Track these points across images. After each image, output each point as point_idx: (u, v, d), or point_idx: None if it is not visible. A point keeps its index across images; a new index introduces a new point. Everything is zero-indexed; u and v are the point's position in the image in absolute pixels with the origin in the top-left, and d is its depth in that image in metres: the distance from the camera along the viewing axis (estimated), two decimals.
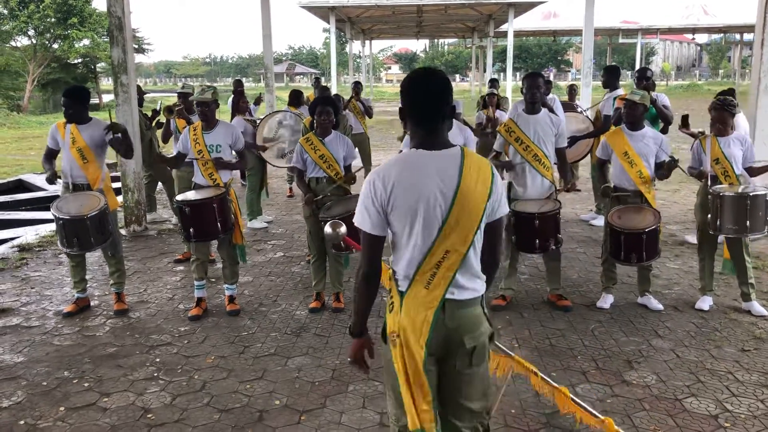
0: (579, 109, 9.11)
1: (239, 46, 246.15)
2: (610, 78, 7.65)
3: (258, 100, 10.64)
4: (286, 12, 47.36)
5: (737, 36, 50.46)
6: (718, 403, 3.68)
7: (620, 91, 7.31)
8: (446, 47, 75.90)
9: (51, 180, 5.05)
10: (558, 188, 5.30)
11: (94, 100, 38.25)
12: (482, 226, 2.26)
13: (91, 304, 5.42)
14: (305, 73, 74.03)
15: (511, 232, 4.99)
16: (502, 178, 3.68)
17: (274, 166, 8.19)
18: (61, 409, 3.74)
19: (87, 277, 5.43)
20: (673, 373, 4.05)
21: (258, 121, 8.13)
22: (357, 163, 5.81)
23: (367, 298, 2.37)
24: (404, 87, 2.29)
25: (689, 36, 58.37)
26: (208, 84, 7.35)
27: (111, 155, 6.69)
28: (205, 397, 3.85)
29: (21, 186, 12.16)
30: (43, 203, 9.61)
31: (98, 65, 40.07)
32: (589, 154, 7.95)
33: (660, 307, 5.10)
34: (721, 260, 5.29)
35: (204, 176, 5.18)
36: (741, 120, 6.68)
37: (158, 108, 8.30)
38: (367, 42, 41.09)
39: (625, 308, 5.17)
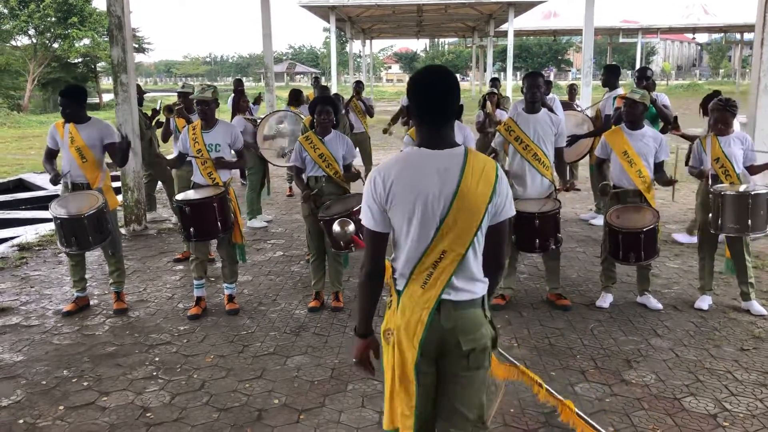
0: (579, 109, 9.11)
1: (239, 46, 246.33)
2: (609, 77, 7.64)
3: (257, 100, 10.64)
4: (286, 11, 47.45)
5: (738, 35, 50.38)
6: (717, 402, 3.68)
7: (620, 91, 7.30)
8: (446, 47, 75.83)
9: (54, 181, 5.04)
10: (557, 188, 5.30)
11: (94, 100, 38.32)
12: (483, 227, 2.21)
13: (91, 303, 5.43)
14: (305, 72, 73.99)
15: (510, 232, 4.99)
16: None
17: (274, 165, 8.19)
18: (61, 408, 3.74)
19: (86, 276, 5.43)
20: (672, 372, 4.05)
21: (258, 121, 8.13)
22: (357, 162, 5.81)
23: (371, 297, 2.33)
24: (410, 85, 2.25)
25: (690, 35, 58.33)
26: (209, 83, 7.35)
27: None
28: (204, 396, 3.85)
29: (21, 185, 12.17)
30: (43, 202, 9.59)
31: (98, 65, 40.06)
32: (588, 154, 7.95)
33: (659, 306, 5.10)
34: (722, 260, 5.30)
35: (203, 175, 5.18)
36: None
37: (158, 107, 8.30)
38: (368, 41, 41.07)
39: (624, 307, 5.17)
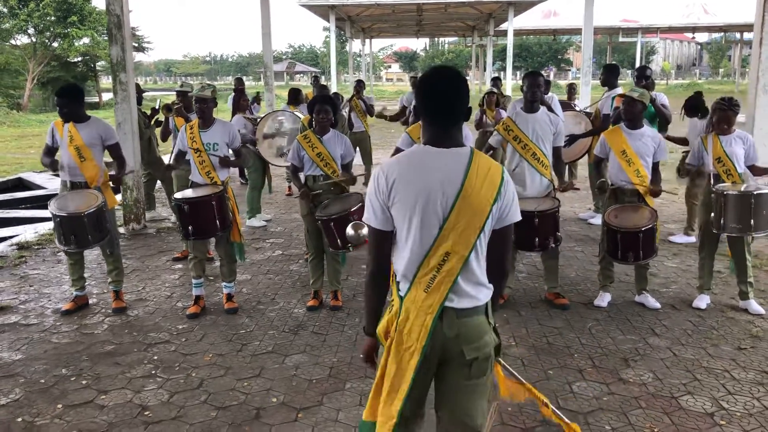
0: (577, 109, 9.11)
1: (239, 45, 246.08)
2: (609, 76, 7.64)
3: (257, 99, 10.65)
4: (285, 10, 47.55)
5: (737, 35, 50.42)
6: (714, 401, 3.68)
7: (619, 90, 7.30)
8: (446, 46, 75.77)
9: (52, 166, 5.12)
10: (556, 187, 5.30)
11: (93, 99, 38.29)
12: (486, 230, 2.19)
13: (90, 302, 5.43)
14: (305, 71, 73.90)
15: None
16: None
17: (273, 164, 8.20)
18: (59, 406, 3.75)
19: (85, 275, 5.44)
20: (670, 371, 4.06)
21: (258, 120, 8.14)
22: (357, 161, 5.81)
23: (376, 297, 2.32)
24: (419, 85, 2.24)
25: (689, 35, 58.33)
26: (209, 82, 7.35)
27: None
28: (202, 395, 3.85)
29: (21, 184, 12.17)
30: (43, 201, 9.60)
31: (98, 63, 40.04)
32: (587, 154, 7.96)
33: (657, 305, 5.11)
34: (724, 259, 5.28)
35: (201, 174, 5.18)
36: None
37: (157, 106, 8.30)
38: (367, 40, 41.09)
39: (622, 306, 5.17)
